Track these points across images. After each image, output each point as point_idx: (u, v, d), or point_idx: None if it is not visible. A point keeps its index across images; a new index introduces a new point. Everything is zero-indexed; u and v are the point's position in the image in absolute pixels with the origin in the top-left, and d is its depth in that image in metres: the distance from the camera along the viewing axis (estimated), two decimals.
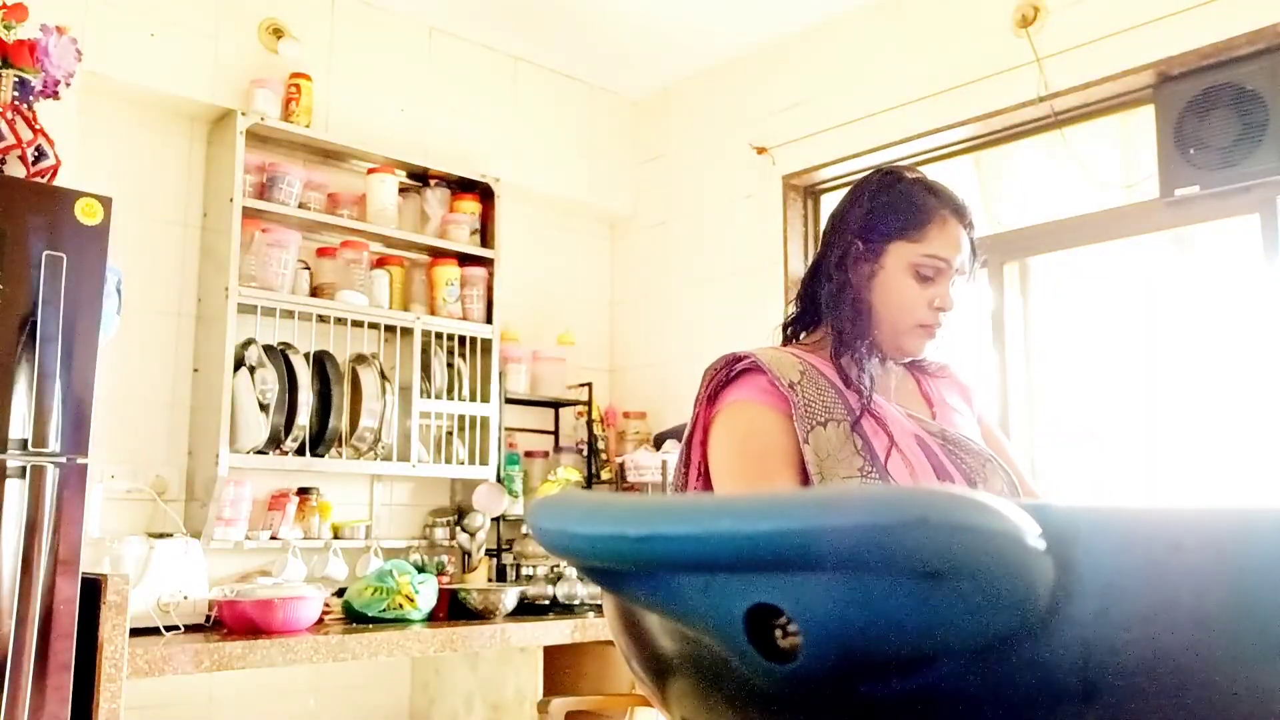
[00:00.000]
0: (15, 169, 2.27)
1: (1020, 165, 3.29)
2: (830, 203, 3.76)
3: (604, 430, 3.91)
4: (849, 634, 0.21)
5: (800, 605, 0.22)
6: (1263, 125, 2.61)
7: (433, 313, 3.47)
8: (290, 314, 3.15)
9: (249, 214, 3.07)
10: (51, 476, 2.10)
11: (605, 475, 3.82)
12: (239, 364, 2.99)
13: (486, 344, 3.54)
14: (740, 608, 0.22)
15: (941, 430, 1.33)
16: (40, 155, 2.32)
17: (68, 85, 2.43)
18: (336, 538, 3.23)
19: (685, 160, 4.03)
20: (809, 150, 3.57)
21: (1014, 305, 3.19)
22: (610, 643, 3.10)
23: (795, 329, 1.46)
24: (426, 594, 2.98)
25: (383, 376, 3.24)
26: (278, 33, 3.27)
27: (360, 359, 3.25)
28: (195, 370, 3.10)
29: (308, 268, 3.26)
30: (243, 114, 3.09)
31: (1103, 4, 2.87)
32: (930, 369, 1.49)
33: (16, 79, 2.30)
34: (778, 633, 0.22)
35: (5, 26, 2.31)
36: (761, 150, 3.69)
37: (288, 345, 3.09)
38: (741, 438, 1.29)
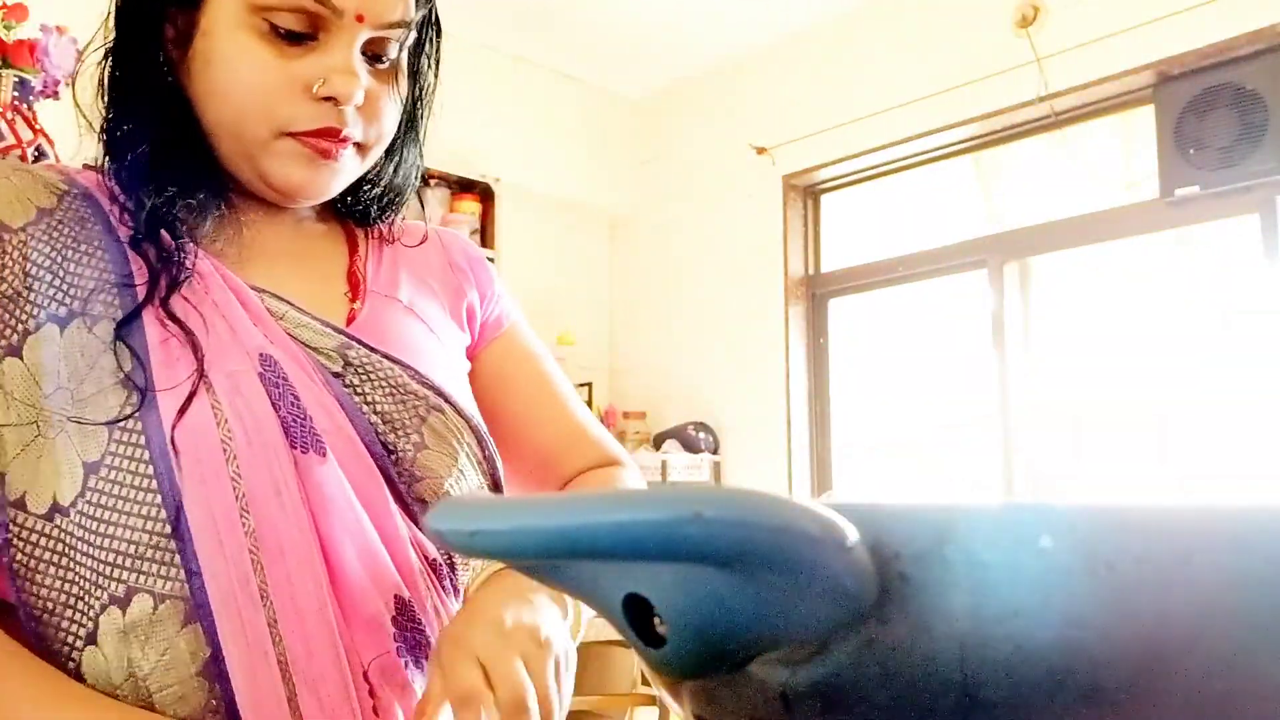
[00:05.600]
0: None
1: (1020, 165, 3.29)
2: (830, 203, 3.76)
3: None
4: (699, 621, 0.23)
5: (658, 594, 0.23)
6: (1263, 125, 2.61)
7: None
8: None
9: None
10: None
11: None
12: None
13: None
14: (618, 596, 0.24)
15: (344, 345, 0.71)
16: (40, 155, 2.33)
17: (68, 85, 2.44)
18: None
19: (685, 160, 4.03)
20: (809, 150, 3.57)
21: (1014, 305, 3.19)
22: (610, 643, 3.09)
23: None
24: None
25: None
26: None
27: None
28: None
29: None
30: None
31: (1103, 4, 2.87)
32: (396, 231, 0.84)
33: (16, 79, 2.30)
34: (656, 620, 0.24)
35: (5, 26, 2.32)
36: (761, 150, 3.69)
37: None
38: None
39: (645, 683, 3.25)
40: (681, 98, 4.08)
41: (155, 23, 0.69)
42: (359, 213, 0.82)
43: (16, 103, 2.28)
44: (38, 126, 2.33)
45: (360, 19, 0.68)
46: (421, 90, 0.79)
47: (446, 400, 0.73)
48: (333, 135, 0.69)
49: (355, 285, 0.77)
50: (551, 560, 0.23)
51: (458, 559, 0.75)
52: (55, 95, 2.37)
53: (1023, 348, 3.17)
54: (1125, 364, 2.97)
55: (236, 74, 0.67)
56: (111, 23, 0.71)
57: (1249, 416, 2.66)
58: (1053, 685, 0.20)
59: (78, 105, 0.73)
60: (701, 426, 3.72)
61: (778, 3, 3.49)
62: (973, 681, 0.21)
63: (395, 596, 0.67)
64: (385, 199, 0.82)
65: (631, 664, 3.38)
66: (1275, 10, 2.58)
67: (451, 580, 0.74)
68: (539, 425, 0.86)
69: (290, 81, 0.67)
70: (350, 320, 0.75)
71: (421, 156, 0.83)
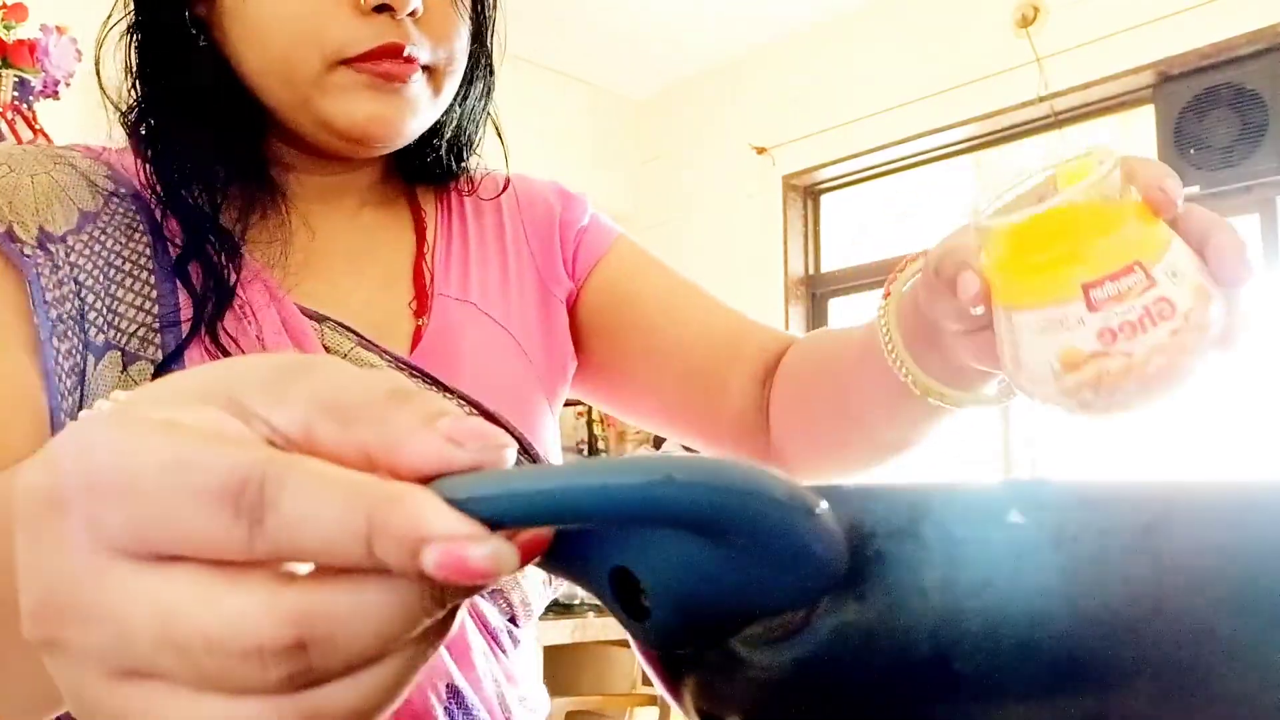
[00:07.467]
0: None
1: (1020, 165, 3.29)
2: (830, 203, 3.77)
3: (604, 430, 3.92)
4: (678, 588, 0.24)
5: (641, 565, 0.24)
6: (1263, 125, 2.61)
7: None
8: None
9: None
10: None
11: None
12: None
13: None
14: (604, 570, 0.25)
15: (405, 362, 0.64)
16: None
17: (68, 85, 2.44)
18: None
19: (686, 160, 4.04)
20: (809, 150, 3.57)
21: None
22: (610, 643, 3.10)
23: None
24: None
25: None
26: None
27: None
28: None
29: None
30: None
31: (1103, 4, 2.87)
32: (473, 185, 0.76)
33: (16, 79, 2.31)
34: (642, 595, 0.25)
35: (5, 26, 2.32)
36: (761, 150, 3.69)
37: None
38: None
39: (645, 683, 3.25)
40: (682, 98, 4.09)
41: None
42: (428, 169, 0.72)
43: (16, 103, 2.28)
44: (38, 126, 2.34)
45: None
46: (483, 5, 0.68)
47: (516, 442, 0.65)
48: (395, 53, 0.58)
49: (421, 288, 0.68)
50: (538, 527, 0.23)
51: (520, 615, 0.68)
52: (55, 95, 2.37)
53: None
54: None
55: (274, 3, 0.58)
56: None
57: (1248, 416, 2.66)
58: (1023, 655, 0.21)
59: (104, 90, 0.65)
60: None
61: (778, 3, 3.49)
62: (946, 655, 0.21)
63: (448, 685, 0.61)
64: (454, 144, 0.72)
65: (632, 664, 3.38)
66: (1275, 10, 2.58)
67: (513, 640, 0.68)
68: (683, 330, 0.74)
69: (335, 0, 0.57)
70: (416, 340, 0.66)
71: (491, 89, 0.73)
